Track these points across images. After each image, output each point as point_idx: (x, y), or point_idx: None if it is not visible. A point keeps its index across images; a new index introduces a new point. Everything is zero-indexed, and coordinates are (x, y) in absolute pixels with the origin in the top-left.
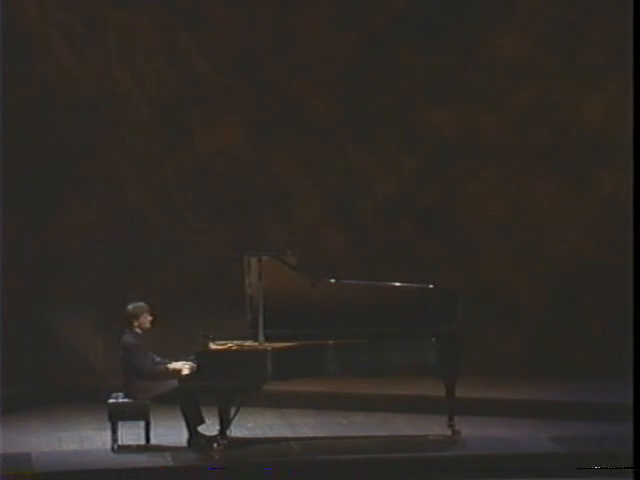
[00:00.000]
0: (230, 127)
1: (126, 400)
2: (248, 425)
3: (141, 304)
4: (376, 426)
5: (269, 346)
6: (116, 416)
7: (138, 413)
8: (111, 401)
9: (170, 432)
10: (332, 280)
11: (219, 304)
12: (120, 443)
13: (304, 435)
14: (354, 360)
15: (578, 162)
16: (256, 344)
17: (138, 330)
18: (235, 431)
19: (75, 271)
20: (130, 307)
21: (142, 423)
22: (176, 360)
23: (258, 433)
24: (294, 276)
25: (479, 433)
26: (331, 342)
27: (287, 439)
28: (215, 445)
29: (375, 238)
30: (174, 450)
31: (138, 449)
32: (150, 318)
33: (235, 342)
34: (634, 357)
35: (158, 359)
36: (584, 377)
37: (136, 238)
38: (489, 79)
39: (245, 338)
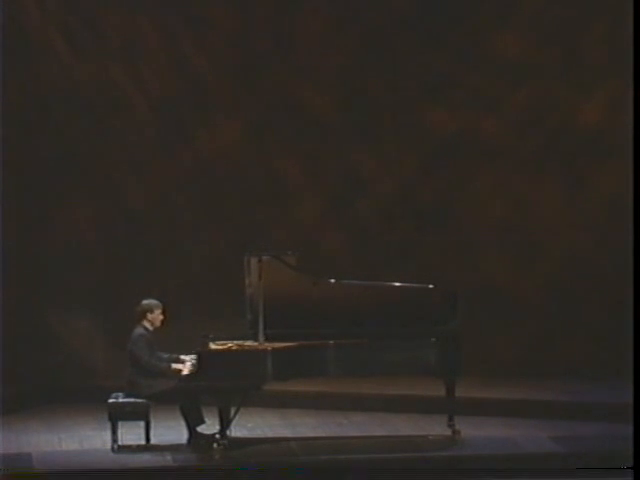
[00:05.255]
0: (230, 127)
1: (126, 400)
2: (248, 425)
3: (156, 301)
4: (376, 426)
5: (269, 346)
6: (116, 416)
7: (138, 413)
8: (111, 401)
9: (170, 432)
10: (332, 280)
11: (219, 304)
12: (120, 443)
13: (304, 435)
14: (354, 360)
15: (578, 162)
16: (256, 344)
17: (149, 326)
18: (235, 431)
19: (75, 271)
20: (145, 302)
21: (142, 423)
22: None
23: (258, 433)
24: (294, 276)
25: (479, 433)
26: (331, 342)
27: (287, 439)
28: (215, 445)
29: (375, 238)
30: (174, 450)
31: (138, 449)
32: (162, 317)
33: (235, 342)
34: (634, 357)
35: (165, 356)
36: (584, 377)
37: (136, 238)
38: (489, 79)
39: (245, 338)
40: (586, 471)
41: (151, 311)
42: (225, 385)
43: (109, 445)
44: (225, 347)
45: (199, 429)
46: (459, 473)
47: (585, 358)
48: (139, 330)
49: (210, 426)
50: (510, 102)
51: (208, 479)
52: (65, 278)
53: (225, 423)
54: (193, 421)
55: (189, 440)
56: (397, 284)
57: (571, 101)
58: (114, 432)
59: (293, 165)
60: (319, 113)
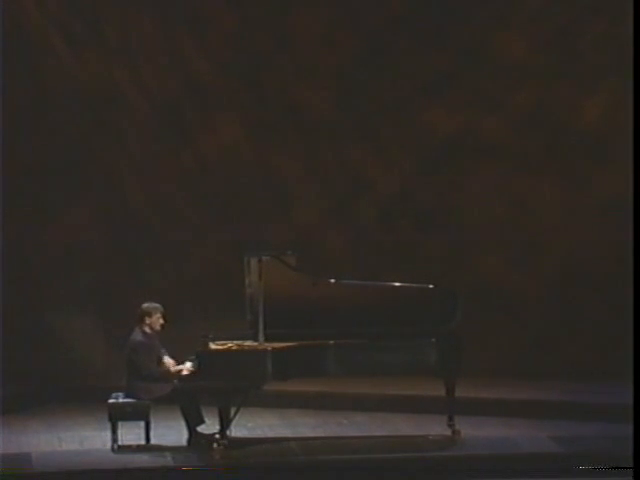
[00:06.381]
0: (230, 127)
1: (126, 400)
2: (248, 425)
3: (156, 305)
4: (376, 426)
5: (269, 346)
6: (116, 416)
7: (138, 413)
8: (111, 401)
9: (170, 432)
10: (332, 280)
11: (219, 304)
12: (120, 443)
13: (304, 435)
14: (354, 360)
15: (578, 162)
16: (256, 344)
17: (147, 329)
18: (235, 431)
19: (75, 271)
20: (145, 305)
21: (142, 423)
22: (173, 357)
23: (258, 433)
24: (294, 276)
25: (479, 433)
26: (331, 342)
27: (287, 439)
28: (215, 445)
29: (375, 238)
30: (174, 450)
31: (138, 449)
32: (162, 321)
33: (235, 342)
34: (634, 357)
35: (162, 350)
36: (584, 377)
37: (136, 238)
38: (489, 79)
39: (245, 338)
40: (586, 471)
41: (149, 315)
42: (225, 385)
43: (109, 445)
44: (225, 347)
45: (199, 429)
46: (459, 473)
47: (585, 358)
48: (138, 336)
49: (210, 426)
50: (510, 102)
51: (208, 479)
52: (65, 278)
53: (225, 423)
54: (193, 421)
55: (189, 440)
56: (397, 284)
57: (571, 101)
58: (114, 432)
59: (293, 165)
60: (319, 113)
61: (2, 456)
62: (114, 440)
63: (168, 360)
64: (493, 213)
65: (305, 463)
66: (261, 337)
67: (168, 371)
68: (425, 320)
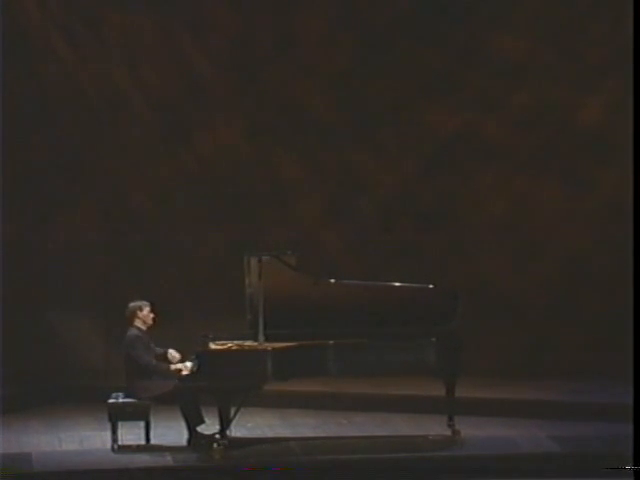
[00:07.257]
0: (230, 127)
1: (126, 400)
2: (248, 425)
3: (142, 301)
4: (376, 426)
5: (269, 346)
6: (116, 416)
7: (138, 413)
8: (111, 401)
9: (170, 432)
10: (332, 280)
11: (219, 304)
12: (120, 443)
13: (304, 435)
14: (354, 360)
15: (578, 162)
16: (256, 344)
17: (141, 325)
18: (235, 431)
19: (75, 271)
20: (131, 304)
21: (142, 423)
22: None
23: (258, 433)
24: (294, 276)
25: (479, 433)
26: (331, 342)
27: (287, 439)
28: (215, 445)
29: (375, 238)
30: (174, 450)
31: (138, 449)
32: (152, 315)
33: (235, 342)
34: (634, 357)
35: (160, 350)
36: (584, 377)
37: (136, 238)
38: (489, 79)
39: (245, 338)
40: (586, 471)
41: (140, 309)
42: (225, 385)
43: (109, 445)
44: (225, 347)
45: (199, 429)
46: (459, 473)
47: (585, 358)
48: (134, 332)
49: (210, 426)
50: (510, 102)
51: (208, 479)
52: (65, 278)
53: (225, 423)
54: (193, 421)
55: (189, 440)
56: (397, 284)
57: (571, 101)
58: (114, 432)
59: (293, 165)
60: (319, 113)
61: (2, 456)
62: (114, 440)
63: (173, 353)
64: (493, 213)
65: (305, 463)
66: (261, 337)
67: (167, 368)
68: (425, 320)
